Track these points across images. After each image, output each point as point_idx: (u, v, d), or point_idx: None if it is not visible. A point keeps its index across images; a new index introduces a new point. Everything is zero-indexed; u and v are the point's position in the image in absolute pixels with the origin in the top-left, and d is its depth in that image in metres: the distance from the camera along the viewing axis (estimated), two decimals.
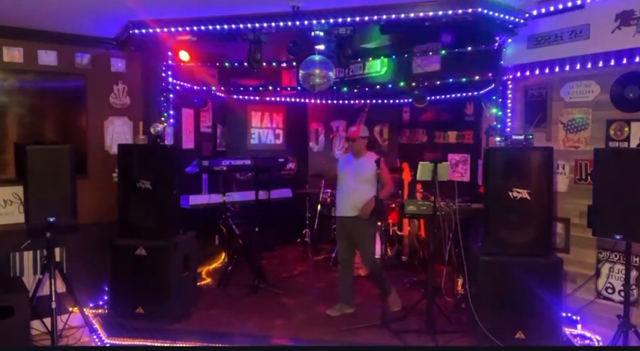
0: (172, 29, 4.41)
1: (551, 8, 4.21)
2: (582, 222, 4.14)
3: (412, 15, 3.95)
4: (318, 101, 7.49)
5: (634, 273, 3.84)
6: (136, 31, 4.41)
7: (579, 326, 4.22)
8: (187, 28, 4.39)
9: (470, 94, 5.89)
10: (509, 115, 4.72)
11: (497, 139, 4.56)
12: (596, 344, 4.04)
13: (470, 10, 3.87)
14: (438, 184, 4.23)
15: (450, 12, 3.90)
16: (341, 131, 7.84)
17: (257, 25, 4.23)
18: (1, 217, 4.43)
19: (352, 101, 7.28)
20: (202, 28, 4.36)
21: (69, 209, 4.07)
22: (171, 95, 5.11)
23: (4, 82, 4.43)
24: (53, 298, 4.00)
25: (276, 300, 5.17)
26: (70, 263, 4.70)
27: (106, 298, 4.79)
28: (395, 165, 6.67)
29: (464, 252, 4.16)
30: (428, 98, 5.85)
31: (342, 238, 4.89)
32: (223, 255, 6.43)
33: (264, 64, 4.70)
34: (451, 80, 5.33)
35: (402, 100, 7.08)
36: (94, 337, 4.23)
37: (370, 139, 5.02)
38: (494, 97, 4.79)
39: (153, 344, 4.12)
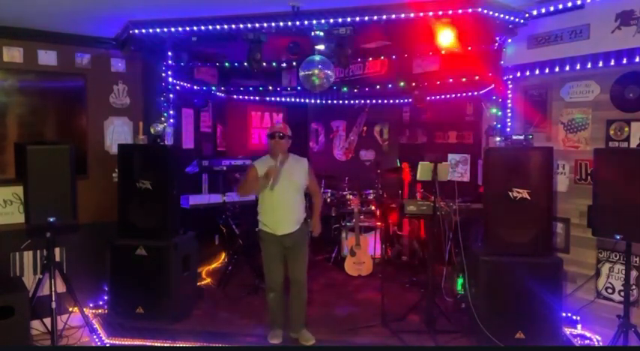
0: (172, 29, 4.41)
1: (551, 8, 4.21)
2: (582, 222, 4.14)
3: (412, 15, 3.95)
4: (318, 101, 7.49)
5: (634, 273, 3.84)
6: (136, 31, 4.40)
7: (579, 326, 4.22)
8: (187, 28, 4.38)
9: (470, 94, 5.89)
10: (509, 115, 4.73)
11: (497, 139, 4.57)
12: (596, 344, 4.04)
13: (470, 10, 3.87)
14: (438, 184, 4.23)
15: (450, 12, 3.90)
16: (341, 131, 7.85)
17: (257, 25, 4.24)
18: (1, 217, 4.43)
19: (352, 101, 7.28)
20: (202, 28, 4.36)
21: (69, 209, 4.07)
22: (171, 95, 5.12)
23: (4, 82, 4.44)
24: (53, 298, 4.00)
25: None
26: (70, 263, 4.70)
27: (106, 298, 4.79)
28: (395, 165, 6.68)
29: (464, 252, 4.17)
30: (428, 98, 5.86)
31: (279, 260, 4.06)
32: (223, 255, 6.44)
33: (264, 64, 4.69)
34: (451, 80, 5.33)
35: (402, 100, 7.08)
36: (94, 337, 4.23)
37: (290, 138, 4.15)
38: (494, 97, 4.79)
39: (153, 344, 4.12)
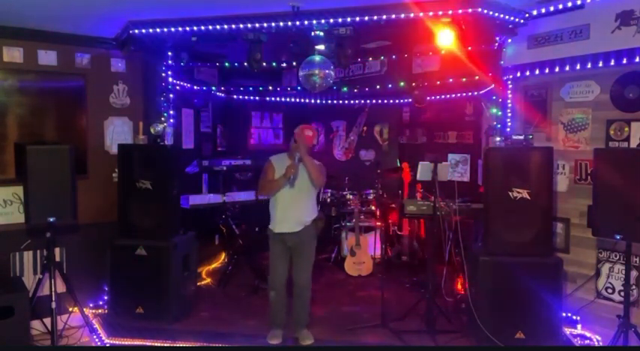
0: (172, 29, 4.41)
1: (551, 8, 4.21)
2: (582, 222, 4.15)
3: (412, 15, 3.95)
4: (318, 101, 7.49)
5: (634, 273, 3.84)
6: (136, 31, 4.40)
7: (579, 326, 4.22)
8: (187, 28, 4.38)
9: (470, 94, 5.89)
10: (509, 115, 4.73)
11: (497, 139, 4.56)
12: (596, 344, 4.04)
13: (470, 10, 3.87)
14: (438, 184, 4.23)
15: (450, 12, 3.90)
16: (341, 131, 7.85)
17: (257, 25, 4.23)
18: (1, 217, 4.42)
19: (352, 101, 7.28)
20: (202, 28, 4.36)
21: (69, 209, 4.07)
22: (171, 95, 5.12)
23: (4, 82, 4.43)
24: (53, 298, 4.00)
25: None
26: (70, 263, 4.70)
27: (106, 298, 4.79)
28: (395, 165, 6.68)
29: (464, 252, 4.17)
30: (428, 98, 5.86)
31: (282, 259, 4.10)
32: (223, 255, 6.43)
33: (264, 64, 4.69)
34: (451, 80, 5.33)
35: (402, 100, 7.08)
36: (94, 337, 4.23)
37: None
38: (494, 97, 4.80)
39: (153, 344, 4.12)
